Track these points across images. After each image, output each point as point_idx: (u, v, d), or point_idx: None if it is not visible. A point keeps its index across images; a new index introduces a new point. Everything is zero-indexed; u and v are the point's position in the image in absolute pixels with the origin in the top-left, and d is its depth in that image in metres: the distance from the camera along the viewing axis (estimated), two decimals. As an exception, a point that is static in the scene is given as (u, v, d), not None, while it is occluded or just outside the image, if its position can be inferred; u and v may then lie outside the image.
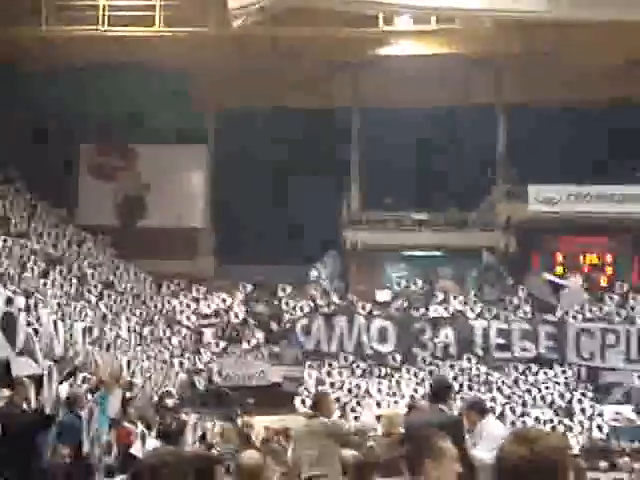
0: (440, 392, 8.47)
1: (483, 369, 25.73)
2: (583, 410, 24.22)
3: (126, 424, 13.11)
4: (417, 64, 29.41)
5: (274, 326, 26.96)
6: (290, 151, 30.40)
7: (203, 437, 18.79)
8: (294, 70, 29.86)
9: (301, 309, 27.32)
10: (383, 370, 25.78)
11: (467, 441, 8.20)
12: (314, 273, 28.77)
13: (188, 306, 27.83)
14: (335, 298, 27.79)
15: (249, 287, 28.42)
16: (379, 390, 24.69)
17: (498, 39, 28.36)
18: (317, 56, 29.42)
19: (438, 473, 3.77)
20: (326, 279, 28.73)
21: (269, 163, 30.41)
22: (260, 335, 26.57)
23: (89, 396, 12.25)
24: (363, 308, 27.35)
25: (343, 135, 31.55)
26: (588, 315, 27.13)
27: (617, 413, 24.02)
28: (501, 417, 22.05)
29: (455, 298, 27.81)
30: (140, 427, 13.40)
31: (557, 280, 27.99)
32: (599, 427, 23.47)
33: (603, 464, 21.84)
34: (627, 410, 24.20)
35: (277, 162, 30.40)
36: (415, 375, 25.41)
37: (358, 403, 23.93)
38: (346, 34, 28.33)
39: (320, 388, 23.13)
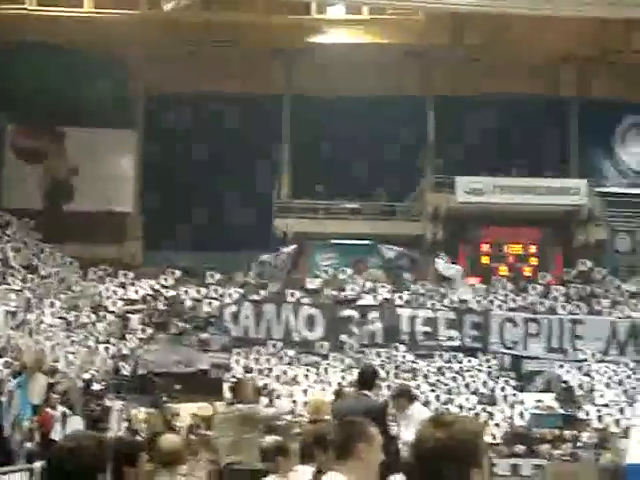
0: (367, 379, 8.57)
1: (409, 357, 26.03)
2: (505, 398, 24.69)
3: (48, 409, 12.93)
4: (349, 53, 29.55)
5: (202, 313, 26.81)
6: (222, 137, 30.23)
7: (129, 423, 18.64)
8: (227, 56, 29.70)
9: (229, 296, 27.23)
10: (311, 357, 25.88)
11: (391, 427, 8.32)
12: (265, 258, 28.51)
13: (115, 292, 27.49)
14: (275, 287, 27.70)
15: (177, 273, 28.20)
16: (306, 377, 24.79)
17: (429, 31, 28.66)
18: (250, 42, 29.33)
19: (370, 457, 3.87)
20: (274, 268, 28.52)
21: (201, 149, 30.20)
22: (188, 321, 26.40)
23: (11, 380, 12.04)
24: (292, 295, 27.39)
25: (275, 122, 31.49)
26: (512, 305, 27.65)
27: (538, 401, 24.55)
28: (426, 404, 22.33)
29: (383, 287, 28.06)
30: (60, 411, 13.22)
31: (441, 268, 28.45)
32: (521, 414, 23.97)
33: (524, 451, 22.33)
34: (548, 398, 24.76)
35: (209, 148, 30.21)
36: (342, 362, 25.58)
37: (280, 390, 23.96)
38: (278, 21, 28.30)
39: (248, 375, 23.10)
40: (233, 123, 30.07)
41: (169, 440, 5.98)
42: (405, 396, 9.06)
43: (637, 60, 30.62)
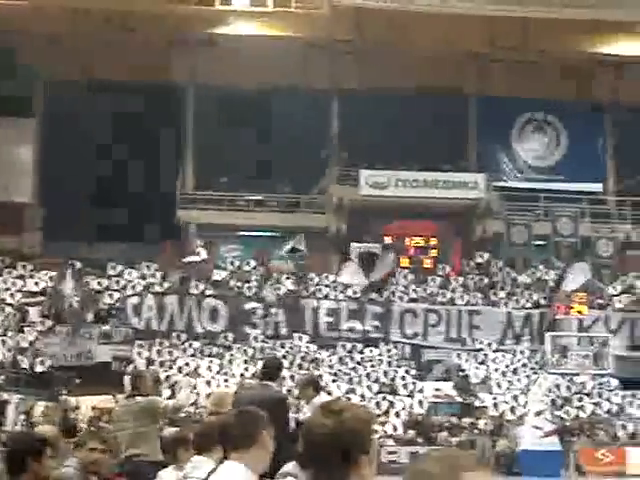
0: (270, 371, 8.66)
1: (313, 347, 26.26)
2: (406, 386, 25.14)
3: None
4: (254, 45, 29.51)
5: (103, 305, 26.43)
6: (125, 126, 29.72)
7: (27, 417, 18.34)
8: (129, 44, 29.28)
9: (132, 288, 26.92)
10: (214, 349, 25.84)
11: (290, 418, 8.46)
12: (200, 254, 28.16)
13: (13, 284, 26.86)
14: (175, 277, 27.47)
15: (78, 264, 27.70)
16: (209, 368, 24.72)
17: (334, 24, 28.86)
18: (153, 31, 28.99)
19: (270, 444, 3.92)
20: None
21: (103, 138, 29.63)
22: (89, 314, 25.98)
23: None
24: (196, 287, 27.25)
25: (179, 112, 31.21)
26: (413, 295, 28.16)
27: (437, 389, 25.08)
28: (328, 394, 22.57)
29: (287, 278, 28.18)
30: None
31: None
32: (420, 403, 24.44)
33: (423, 438, 22.79)
34: (447, 387, 25.33)
35: (111, 137, 29.66)
36: (246, 354, 25.61)
37: (180, 382, 23.84)
38: (182, 11, 28.03)
39: (151, 367, 22.92)
40: (136, 113, 29.55)
41: (42, 431, 5.94)
42: (311, 386, 9.20)
43: (534, 58, 31.54)
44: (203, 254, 27.95)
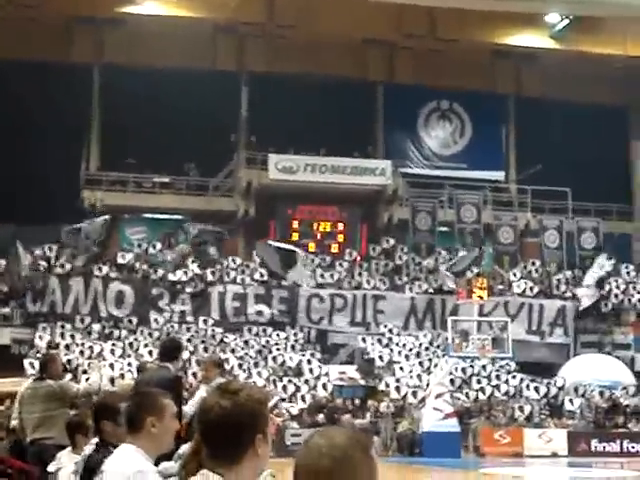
0: (167, 351, 8.64)
1: (219, 331, 26.24)
2: (311, 370, 25.37)
3: None
4: (163, 26, 29.17)
5: (3, 286, 25.82)
6: (28, 106, 28.90)
7: None
8: (33, 22, 28.54)
9: (35, 270, 26.33)
10: (118, 332, 25.55)
11: (183, 398, 8.48)
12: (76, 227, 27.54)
13: None
14: (82, 260, 26.96)
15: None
16: (112, 352, 24.44)
17: (242, 7, 28.74)
18: (58, 8, 28.33)
19: (160, 429, 3.88)
20: (86, 239, 27.60)
21: (4, 118, 28.76)
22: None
23: None
24: (100, 270, 26.86)
25: (84, 92, 30.59)
26: (319, 280, 28.39)
27: (341, 372, 25.41)
28: (234, 377, 22.63)
29: (193, 262, 28.02)
30: None
31: (284, 245, 28.78)
32: (324, 386, 24.72)
33: (326, 420, 23.05)
34: (351, 370, 25.69)
35: (13, 117, 28.82)
36: (151, 336, 25.42)
37: (90, 365, 23.57)
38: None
39: (52, 351, 22.54)
40: (40, 92, 28.77)
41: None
42: (214, 368, 9.21)
43: (440, 47, 32.07)
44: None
